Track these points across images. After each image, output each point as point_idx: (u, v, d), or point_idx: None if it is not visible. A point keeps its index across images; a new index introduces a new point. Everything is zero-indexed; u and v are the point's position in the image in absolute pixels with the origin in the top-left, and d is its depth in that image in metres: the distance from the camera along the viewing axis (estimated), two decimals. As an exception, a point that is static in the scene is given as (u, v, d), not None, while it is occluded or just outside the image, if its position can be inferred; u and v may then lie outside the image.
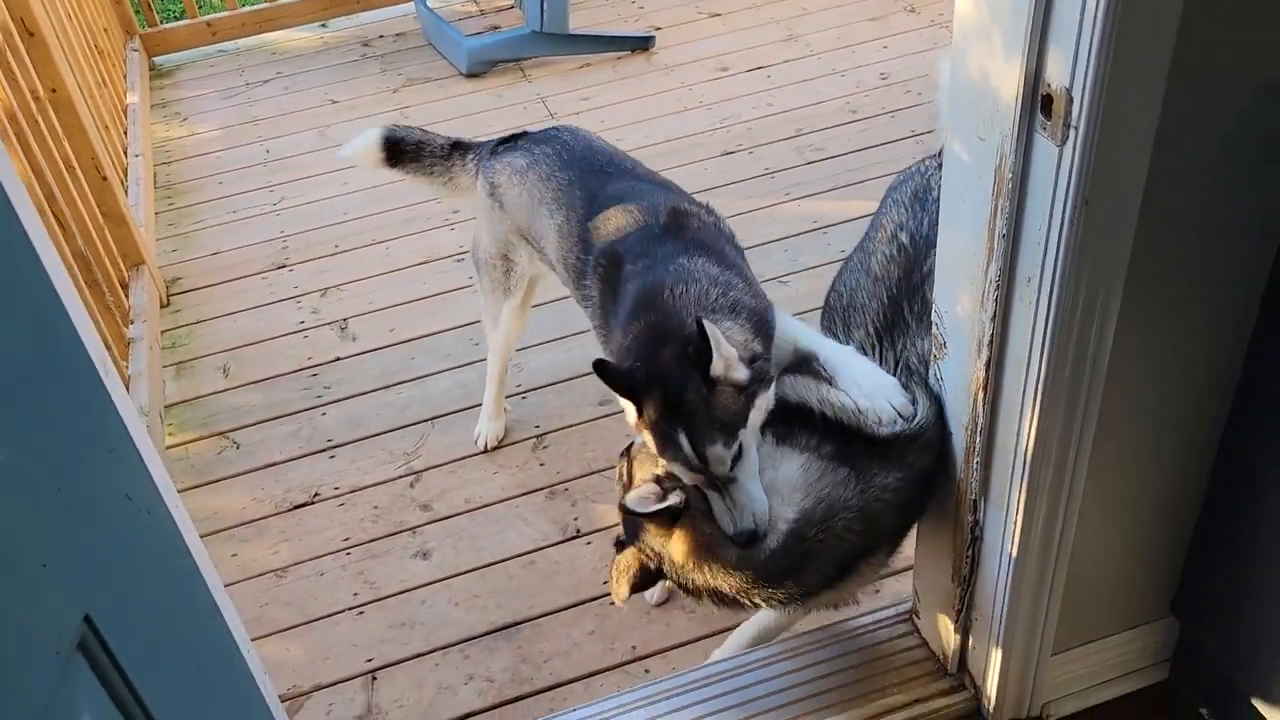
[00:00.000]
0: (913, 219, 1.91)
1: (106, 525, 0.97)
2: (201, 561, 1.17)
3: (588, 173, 2.26)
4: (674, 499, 1.71)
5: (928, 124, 3.73)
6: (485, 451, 2.71)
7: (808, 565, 1.69)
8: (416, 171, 2.53)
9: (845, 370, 1.81)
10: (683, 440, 1.73)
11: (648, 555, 1.76)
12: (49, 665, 0.86)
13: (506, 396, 2.81)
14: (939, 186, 1.68)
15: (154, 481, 1.06)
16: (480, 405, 2.76)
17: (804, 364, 1.88)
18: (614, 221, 2.13)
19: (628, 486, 1.83)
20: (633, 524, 1.78)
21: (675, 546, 1.71)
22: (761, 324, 1.90)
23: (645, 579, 1.78)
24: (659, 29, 4.51)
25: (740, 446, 1.74)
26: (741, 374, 1.76)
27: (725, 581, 1.70)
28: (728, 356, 1.73)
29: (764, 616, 2.05)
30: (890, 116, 3.82)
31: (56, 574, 0.88)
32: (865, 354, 1.85)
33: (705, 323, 1.70)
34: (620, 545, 1.81)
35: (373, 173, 2.59)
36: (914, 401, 1.72)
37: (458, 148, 2.52)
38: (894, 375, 1.78)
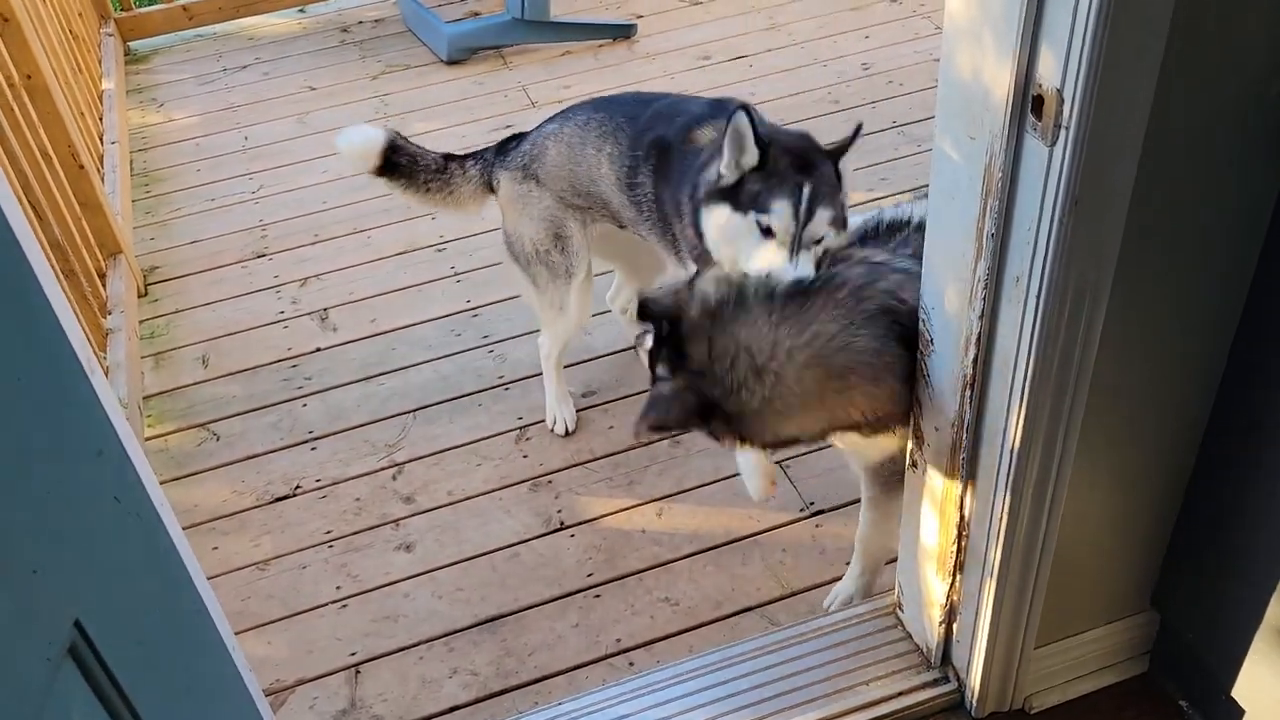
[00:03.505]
0: None
1: (95, 529, 0.96)
2: (188, 561, 1.17)
3: (625, 104, 2.37)
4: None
5: (909, 115, 3.74)
6: (567, 434, 2.66)
7: None
8: (408, 188, 2.53)
9: None
10: (807, 189, 1.95)
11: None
12: (40, 672, 0.85)
13: (487, 389, 2.82)
14: None
15: (142, 483, 1.05)
16: (463, 396, 2.76)
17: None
18: (666, 119, 2.26)
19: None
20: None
21: None
22: None
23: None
24: (640, 17, 4.49)
25: (829, 238, 1.94)
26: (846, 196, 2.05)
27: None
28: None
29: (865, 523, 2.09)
30: (872, 107, 3.82)
31: (46, 580, 0.87)
32: None
33: (859, 128, 2.02)
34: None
35: (355, 171, 2.56)
36: None
37: (452, 159, 2.53)
38: None
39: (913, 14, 4.34)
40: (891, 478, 1.92)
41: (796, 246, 1.93)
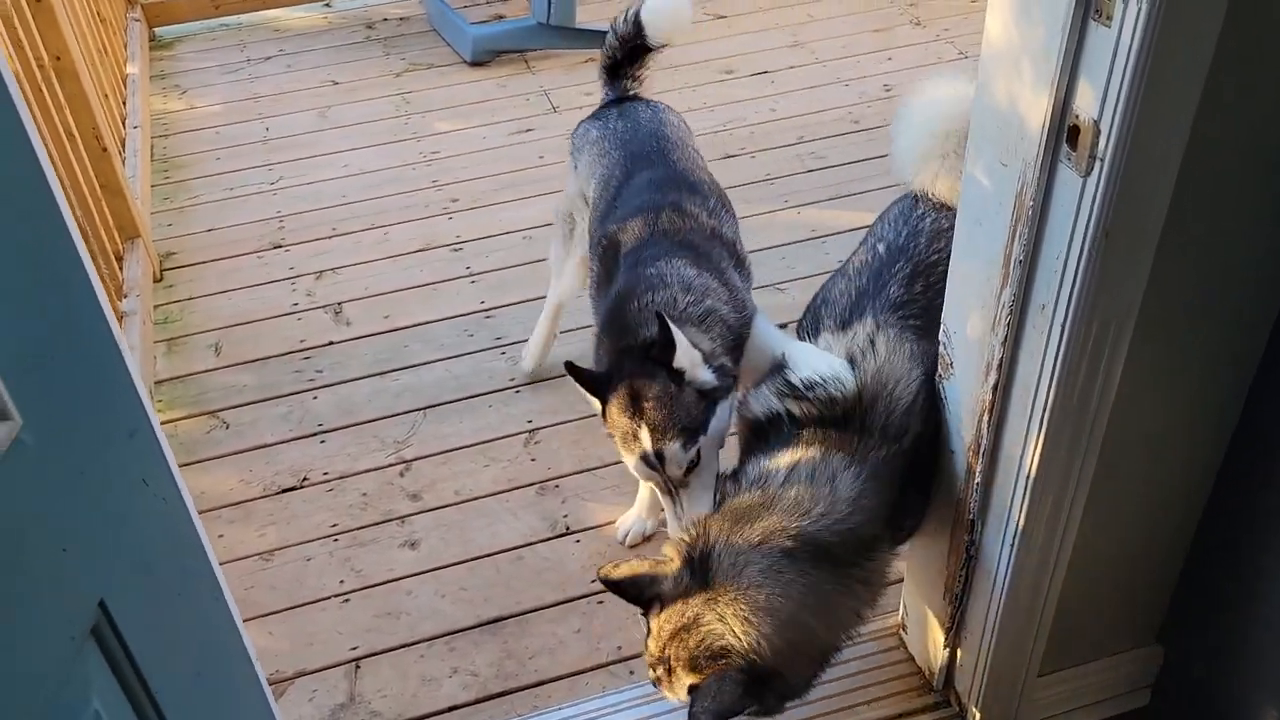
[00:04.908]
0: (891, 230, 1.96)
1: (124, 510, 0.97)
2: (207, 547, 1.17)
3: (637, 156, 2.37)
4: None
5: (929, 139, 3.74)
6: (527, 382, 2.83)
7: None
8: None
9: (791, 349, 1.82)
10: (644, 435, 1.82)
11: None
12: (64, 650, 0.86)
13: (498, 391, 2.82)
14: (923, 205, 1.90)
15: (169, 466, 1.05)
16: (474, 397, 2.79)
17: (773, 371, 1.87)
18: (624, 210, 2.24)
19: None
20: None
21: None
22: (734, 336, 1.98)
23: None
24: (665, 28, 4.50)
25: (699, 453, 1.81)
26: (706, 377, 1.85)
27: None
28: (691, 357, 1.82)
29: None
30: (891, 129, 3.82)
31: (75, 559, 0.87)
32: (830, 344, 1.84)
33: (664, 317, 1.80)
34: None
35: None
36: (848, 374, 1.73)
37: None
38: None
39: (936, 38, 4.35)
40: None
41: (673, 488, 1.85)
